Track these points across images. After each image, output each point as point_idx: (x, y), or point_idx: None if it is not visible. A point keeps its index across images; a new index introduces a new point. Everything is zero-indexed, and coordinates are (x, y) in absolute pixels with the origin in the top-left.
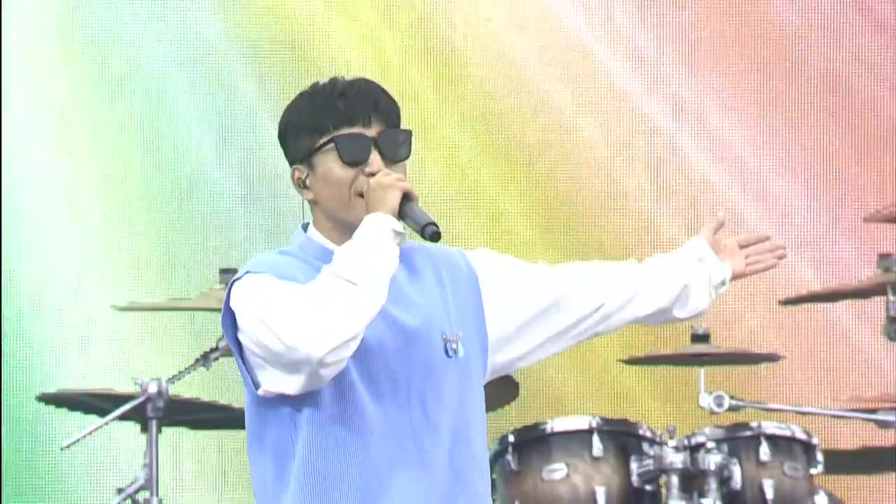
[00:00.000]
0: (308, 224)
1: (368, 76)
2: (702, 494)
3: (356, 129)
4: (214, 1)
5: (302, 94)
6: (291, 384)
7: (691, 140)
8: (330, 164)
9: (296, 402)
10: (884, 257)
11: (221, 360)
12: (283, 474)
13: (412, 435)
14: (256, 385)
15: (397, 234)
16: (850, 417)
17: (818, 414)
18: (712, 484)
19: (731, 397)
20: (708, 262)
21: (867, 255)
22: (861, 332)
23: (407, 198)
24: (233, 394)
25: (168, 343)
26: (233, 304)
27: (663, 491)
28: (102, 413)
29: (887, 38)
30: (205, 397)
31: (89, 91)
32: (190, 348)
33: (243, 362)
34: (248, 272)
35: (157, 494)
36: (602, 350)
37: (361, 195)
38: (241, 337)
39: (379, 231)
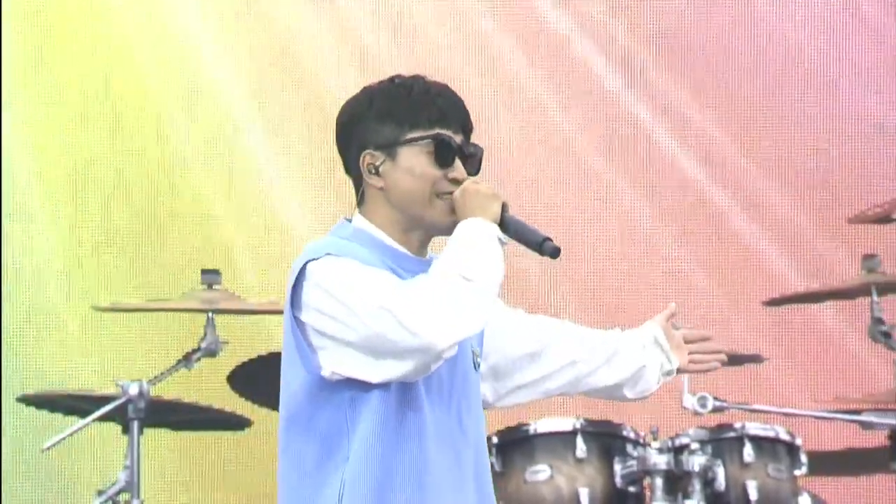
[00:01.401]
0: (350, 218)
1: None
2: (686, 496)
3: (449, 132)
4: (199, 1)
5: (387, 84)
6: (377, 371)
7: (674, 140)
8: (418, 158)
9: (362, 391)
10: (868, 258)
11: (203, 361)
12: (331, 460)
13: (451, 440)
14: (317, 366)
15: (500, 242)
16: (834, 419)
17: (802, 415)
18: (696, 485)
19: (715, 398)
20: (663, 348)
21: (852, 255)
22: (845, 333)
23: (505, 209)
24: (214, 395)
25: (149, 344)
26: (308, 283)
27: (647, 492)
28: (83, 414)
29: (873, 39)
30: (186, 398)
31: (71, 89)
32: (171, 349)
33: (305, 342)
34: (327, 254)
35: (139, 496)
36: None
37: (441, 197)
38: (305, 317)
39: (488, 236)
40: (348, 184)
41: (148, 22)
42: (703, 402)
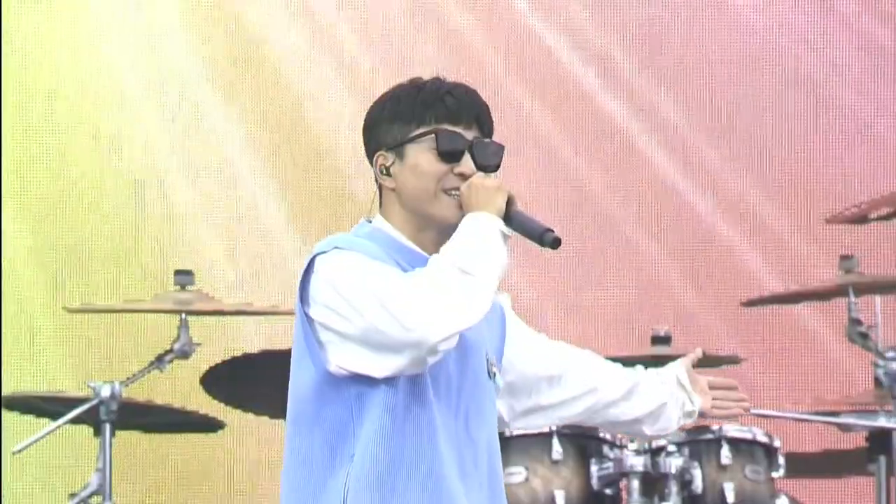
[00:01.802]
0: (371, 219)
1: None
2: (662, 498)
3: (458, 129)
4: (176, 8)
5: (403, 86)
6: (380, 365)
7: (650, 139)
8: (423, 154)
9: (368, 386)
10: (846, 258)
11: (175, 362)
12: (337, 455)
13: (456, 442)
14: (325, 361)
15: (504, 236)
16: (812, 420)
17: (780, 417)
18: (673, 487)
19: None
20: (686, 389)
21: (829, 256)
22: (823, 334)
23: (510, 203)
24: (188, 397)
25: (122, 345)
26: (315, 277)
27: (624, 495)
28: (54, 416)
29: (853, 37)
30: (159, 400)
31: (39, 88)
32: (144, 351)
33: (314, 338)
34: (335, 248)
35: (111, 499)
36: None
37: (448, 193)
38: (313, 312)
39: (490, 230)
40: (324, 183)
41: (118, 18)
42: None
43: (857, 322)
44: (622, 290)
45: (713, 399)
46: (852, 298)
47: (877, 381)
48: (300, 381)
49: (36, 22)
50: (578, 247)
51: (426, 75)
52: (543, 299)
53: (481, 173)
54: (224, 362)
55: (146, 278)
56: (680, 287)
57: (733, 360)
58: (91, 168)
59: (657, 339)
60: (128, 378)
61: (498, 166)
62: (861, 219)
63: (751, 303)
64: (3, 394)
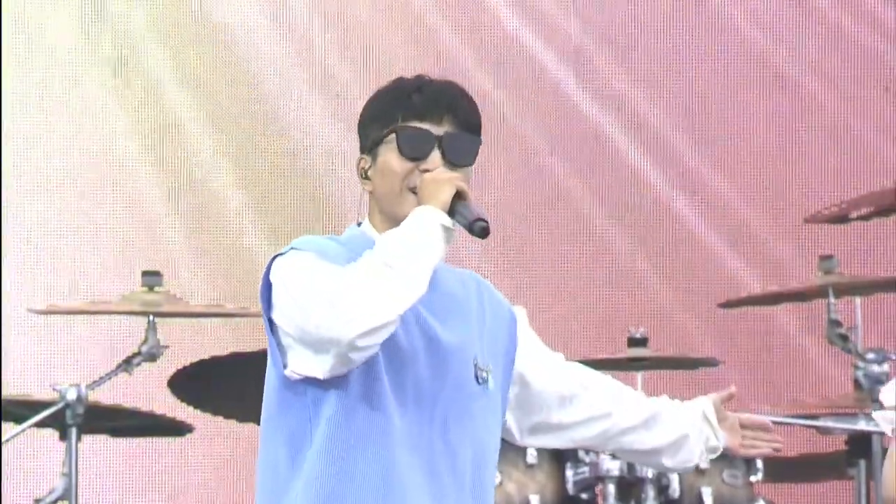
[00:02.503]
0: (361, 222)
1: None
2: (639, 502)
3: (423, 125)
4: (143, 9)
5: (384, 87)
6: (320, 367)
7: (626, 138)
8: (390, 154)
9: (322, 390)
10: (825, 259)
11: (143, 365)
12: (297, 461)
13: (428, 450)
14: (284, 365)
15: (446, 229)
16: (791, 424)
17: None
18: (650, 492)
19: None
20: (711, 424)
21: (808, 256)
22: (802, 336)
23: (460, 196)
24: (155, 400)
25: (88, 348)
26: (272, 279)
27: (599, 499)
28: (19, 420)
29: (830, 36)
30: (126, 404)
31: (10, 86)
32: (111, 353)
33: (276, 342)
34: (292, 248)
35: None
36: None
37: (413, 191)
38: (274, 315)
39: (426, 222)
40: (296, 183)
41: (93, 23)
42: None
43: (837, 324)
44: (597, 291)
45: (743, 437)
46: (832, 300)
47: (856, 384)
48: (268, 385)
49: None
50: (553, 246)
51: (402, 73)
52: (517, 299)
53: (441, 168)
54: (192, 365)
55: (113, 279)
56: (656, 288)
57: (710, 363)
58: (57, 165)
59: (633, 341)
60: (94, 381)
61: (470, 160)
62: (841, 218)
63: (728, 304)
64: None
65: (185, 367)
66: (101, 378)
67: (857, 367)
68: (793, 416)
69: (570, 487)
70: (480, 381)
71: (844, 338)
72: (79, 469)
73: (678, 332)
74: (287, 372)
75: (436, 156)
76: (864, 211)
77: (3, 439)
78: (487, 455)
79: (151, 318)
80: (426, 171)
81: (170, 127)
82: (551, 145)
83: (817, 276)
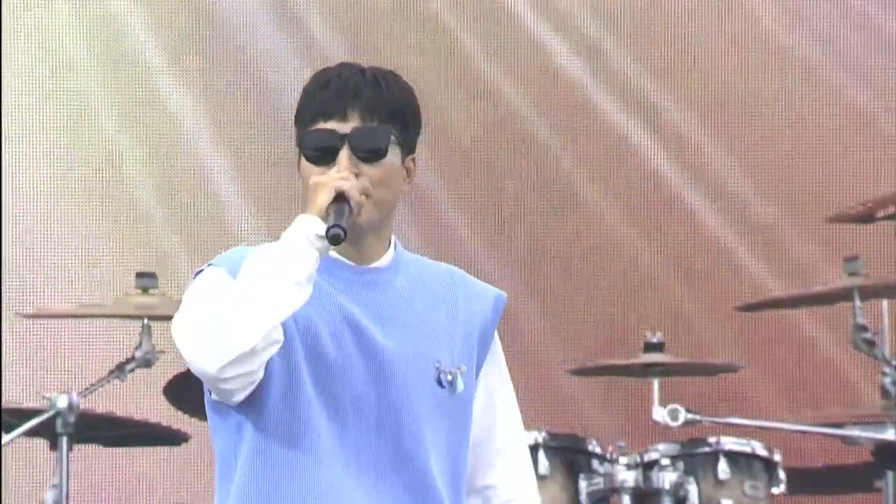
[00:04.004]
0: None
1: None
2: None
3: (329, 125)
4: (139, 3)
5: (309, 80)
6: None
7: (643, 134)
8: (303, 161)
9: (243, 412)
10: (850, 260)
11: (137, 371)
12: (225, 486)
13: (377, 468)
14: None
15: (319, 238)
16: (814, 433)
17: (780, 429)
18: None
19: (687, 411)
20: None
21: (832, 257)
22: (826, 341)
23: (341, 198)
24: (150, 408)
25: (79, 353)
26: (184, 298)
27: None
28: (8, 429)
29: (857, 28)
30: (120, 412)
31: (5, 87)
32: (103, 359)
33: None
34: (210, 265)
35: None
36: (548, 359)
37: None
38: None
39: (297, 234)
40: (294, 184)
41: (88, 21)
42: (674, 414)
43: (863, 328)
44: (612, 294)
45: None
46: (857, 302)
47: (883, 391)
48: (206, 409)
49: None
50: (566, 247)
51: (403, 64)
52: (529, 302)
53: (342, 168)
54: (188, 371)
55: (105, 281)
56: (673, 290)
57: (731, 369)
58: (48, 166)
59: (649, 346)
60: (86, 388)
61: (382, 152)
62: (866, 218)
63: (749, 307)
64: None
65: (180, 374)
66: (93, 385)
67: (884, 374)
68: (816, 425)
69: (583, 499)
70: (444, 384)
71: (870, 343)
72: (70, 480)
73: (696, 337)
74: (212, 397)
75: (343, 155)
76: (890, 210)
77: None
78: (452, 465)
79: (146, 321)
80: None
81: (166, 126)
82: (566, 144)
83: (842, 277)
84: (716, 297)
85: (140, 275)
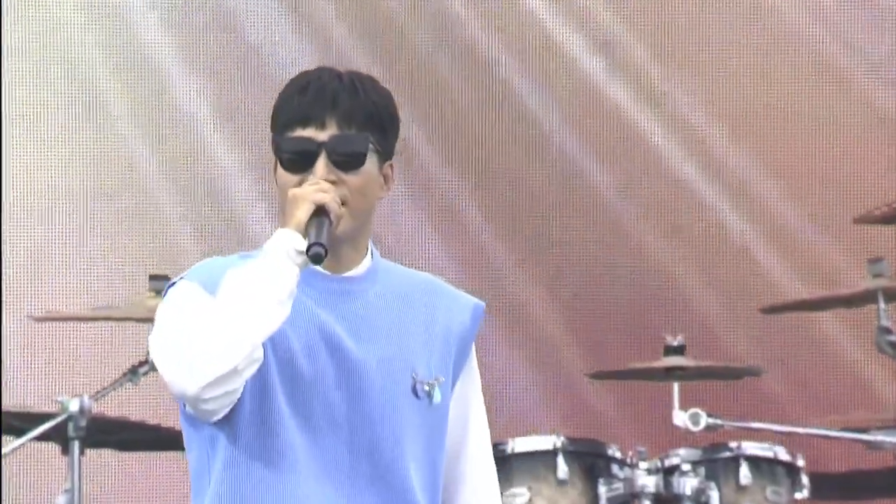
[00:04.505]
0: None
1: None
2: None
3: (306, 132)
4: (156, 9)
5: (286, 84)
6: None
7: (663, 132)
8: (280, 169)
9: (217, 426)
10: (875, 261)
11: (150, 375)
12: (198, 499)
13: (352, 483)
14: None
15: (299, 253)
16: (838, 437)
17: (803, 434)
18: None
19: (709, 415)
20: None
21: (857, 259)
22: (850, 344)
23: (321, 211)
24: (163, 412)
25: (92, 356)
26: (160, 315)
27: None
28: (19, 434)
29: (884, 28)
30: (133, 416)
31: (16, 88)
32: (116, 362)
33: None
34: (182, 278)
35: None
36: (567, 363)
37: None
38: None
39: (277, 250)
40: None
41: (98, 18)
42: (695, 418)
43: (887, 331)
44: (632, 296)
45: None
46: (882, 305)
47: None
48: (180, 420)
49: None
50: (585, 248)
51: (413, 60)
52: (548, 305)
53: (318, 179)
54: None
55: (118, 283)
56: (695, 292)
57: (753, 372)
58: (60, 166)
59: (670, 349)
60: (98, 391)
61: (360, 161)
62: (892, 219)
63: (772, 309)
64: None
65: None
66: (105, 388)
67: None
68: (840, 430)
69: None
70: (421, 395)
71: (895, 346)
72: (82, 485)
73: (718, 340)
74: (186, 409)
75: (321, 164)
76: None
77: (2, 453)
78: (436, 474)
79: None
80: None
81: (180, 127)
82: (588, 147)
83: (866, 279)
84: (737, 299)
85: (153, 277)
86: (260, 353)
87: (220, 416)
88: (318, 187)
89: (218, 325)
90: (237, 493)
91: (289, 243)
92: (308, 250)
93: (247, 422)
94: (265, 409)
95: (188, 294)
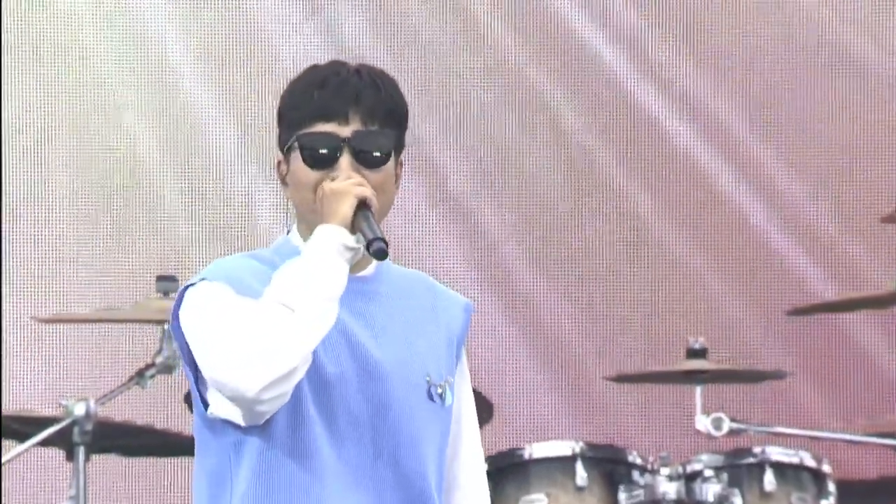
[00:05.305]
0: (290, 229)
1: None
2: None
3: (328, 127)
4: (166, 3)
5: (297, 77)
6: (237, 415)
7: (690, 133)
8: (297, 164)
9: (243, 433)
10: None
11: (158, 378)
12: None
13: (374, 482)
14: (205, 404)
15: (348, 248)
16: (865, 443)
17: (830, 439)
18: None
19: (732, 419)
20: None
21: (885, 259)
22: (878, 346)
23: (364, 206)
24: (171, 416)
25: (98, 359)
26: (181, 316)
27: None
28: (23, 438)
29: None
30: (139, 420)
31: (23, 90)
32: (122, 365)
33: (194, 377)
34: (203, 279)
35: None
36: (587, 367)
37: None
38: (193, 352)
39: (326, 246)
40: None
41: (108, 14)
42: (718, 423)
43: None
44: (653, 297)
45: None
46: None
47: None
48: (194, 422)
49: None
50: (605, 250)
51: (429, 55)
52: (567, 306)
53: (346, 174)
54: None
55: (124, 285)
56: (717, 293)
57: (778, 375)
58: (65, 167)
59: (692, 352)
60: (104, 395)
61: (384, 159)
62: None
63: (797, 311)
64: None
65: None
66: (111, 392)
67: None
68: (868, 435)
69: None
70: (434, 397)
71: None
72: (87, 491)
73: (741, 342)
74: (209, 413)
75: (345, 160)
76: None
77: (4, 459)
78: (444, 471)
79: (167, 326)
80: (335, 180)
81: (189, 127)
82: (607, 145)
83: (895, 280)
84: (761, 300)
85: (160, 278)
86: (311, 353)
87: (264, 419)
88: (356, 181)
89: (275, 326)
90: (266, 498)
91: (337, 239)
92: (369, 246)
93: (281, 427)
94: (297, 415)
95: (222, 294)
